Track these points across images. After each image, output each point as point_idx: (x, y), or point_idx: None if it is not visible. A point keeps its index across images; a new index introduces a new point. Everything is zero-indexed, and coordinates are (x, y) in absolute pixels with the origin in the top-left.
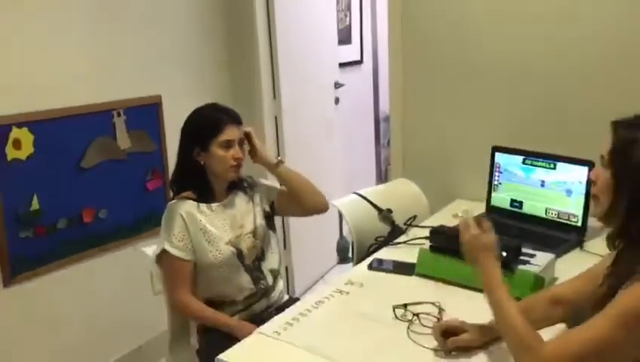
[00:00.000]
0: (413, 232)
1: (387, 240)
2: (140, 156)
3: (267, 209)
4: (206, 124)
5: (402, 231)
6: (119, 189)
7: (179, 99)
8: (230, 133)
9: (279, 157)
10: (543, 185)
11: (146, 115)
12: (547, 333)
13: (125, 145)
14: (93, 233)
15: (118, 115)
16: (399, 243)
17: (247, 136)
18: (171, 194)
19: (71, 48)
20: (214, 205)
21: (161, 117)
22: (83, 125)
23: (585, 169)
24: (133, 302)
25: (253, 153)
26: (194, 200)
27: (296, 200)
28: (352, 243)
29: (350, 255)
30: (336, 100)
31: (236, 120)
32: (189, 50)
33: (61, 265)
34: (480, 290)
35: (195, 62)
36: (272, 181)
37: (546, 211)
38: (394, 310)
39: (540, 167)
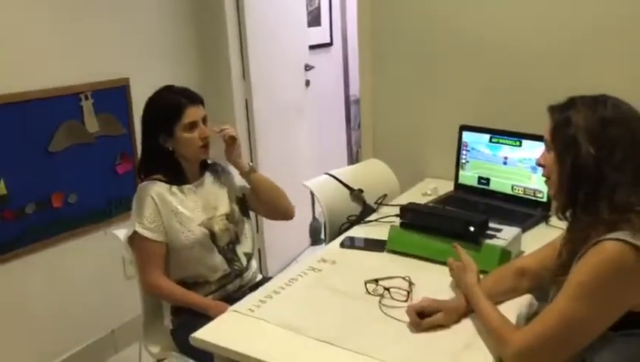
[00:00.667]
0: (384, 211)
1: (359, 219)
2: (109, 140)
3: (240, 195)
4: (167, 109)
5: (373, 210)
6: (88, 173)
7: (147, 81)
8: (193, 114)
9: (252, 164)
10: (509, 163)
11: (113, 97)
12: (515, 304)
13: (93, 129)
14: (63, 218)
15: (86, 98)
16: (370, 221)
17: (232, 139)
18: (139, 181)
19: (36, 30)
20: (186, 187)
21: (129, 100)
22: (50, 109)
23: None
24: (106, 286)
25: (230, 153)
26: (165, 182)
27: (263, 205)
28: (325, 223)
29: (323, 237)
30: (307, 83)
31: (195, 99)
32: (156, 31)
33: (31, 251)
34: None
35: (162, 44)
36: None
37: (512, 188)
38: (366, 285)
39: (506, 144)
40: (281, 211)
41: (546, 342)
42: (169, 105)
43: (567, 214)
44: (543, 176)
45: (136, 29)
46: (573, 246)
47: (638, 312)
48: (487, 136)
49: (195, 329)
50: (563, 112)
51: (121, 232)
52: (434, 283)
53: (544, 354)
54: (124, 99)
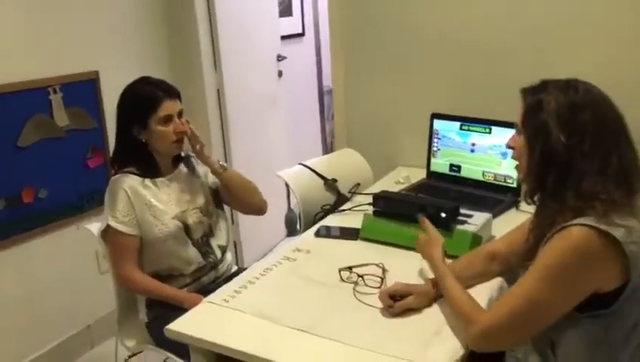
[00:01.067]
0: (358, 199)
1: (333, 208)
2: (80, 134)
3: (214, 188)
4: (142, 101)
5: (347, 199)
6: (59, 168)
7: (117, 74)
8: (168, 107)
9: (222, 163)
10: (479, 150)
11: (83, 91)
12: (486, 288)
13: (63, 123)
14: (33, 213)
15: (55, 91)
16: (344, 210)
17: (191, 134)
18: (113, 172)
19: (4, 23)
20: (159, 180)
21: (99, 93)
22: (18, 102)
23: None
24: (80, 281)
25: (194, 152)
26: (137, 175)
27: (235, 201)
28: (299, 213)
29: (298, 227)
30: (280, 73)
31: (172, 92)
32: (125, 23)
33: (2, 247)
34: None
35: (132, 36)
36: None
37: (482, 174)
38: (340, 273)
39: (476, 131)
40: (254, 207)
41: (510, 322)
42: (145, 96)
43: (535, 198)
44: (512, 158)
45: (105, 21)
46: (540, 231)
47: (603, 294)
48: (457, 124)
49: (169, 322)
50: (535, 95)
51: (94, 226)
52: (407, 269)
53: (508, 334)
54: (93, 93)
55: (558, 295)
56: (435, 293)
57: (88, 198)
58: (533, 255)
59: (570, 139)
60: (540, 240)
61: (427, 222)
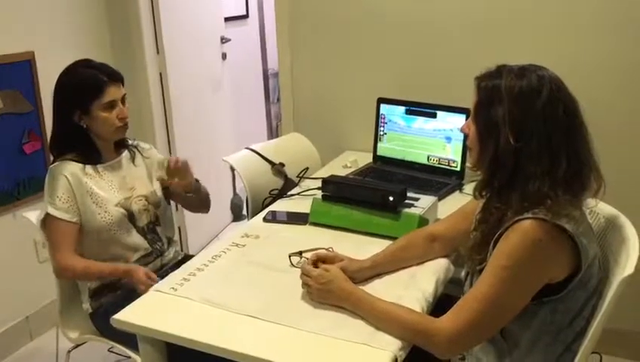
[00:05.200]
0: (306, 184)
1: (281, 193)
2: (15, 117)
3: (164, 178)
4: (85, 85)
5: (295, 184)
6: None
7: (55, 55)
8: (112, 92)
9: (197, 179)
10: (424, 133)
11: (18, 72)
12: (433, 269)
13: None
14: None
15: None
16: (293, 195)
17: (185, 165)
18: (52, 158)
19: None
20: (100, 167)
21: (35, 75)
22: None
23: (462, 117)
24: (18, 270)
25: (185, 186)
26: (78, 161)
27: (187, 204)
28: (247, 198)
29: (244, 212)
30: (224, 56)
31: (116, 77)
32: (63, 2)
33: None
34: (370, 234)
35: (70, 16)
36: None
37: (428, 158)
38: (290, 258)
39: (422, 115)
40: (200, 211)
41: (476, 326)
42: (87, 81)
43: (484, 193)
44: (466, 144)
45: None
46: (488, 227)
47: (553, 283)
48: (403, 109)
49: (115, 312)
50: (488, 85)
51: (33, 214)
52: (356, 251)
53: (476, 336)
54: (29, 75)
55: (518, 292)
56: (368, 272)
57: (25, 185)
58: (482, 249)
59: (518, 142)
60: (490, 236)
61: (306, 267)
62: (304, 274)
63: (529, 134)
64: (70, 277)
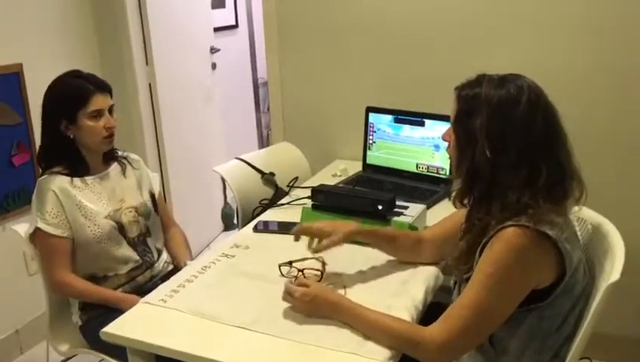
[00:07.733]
0: (296, 193)
1: (271, 203)
2: (3, 129)
3: (153, 192)
4: (71, 94)
5: (285, 193)
6: None
7: (43, 67)
8: (99, 102)
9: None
10: (413, 142)
11: (6, 84)
12: (423, 276)
13: None
14: None
15: None
16: (283, 204)
17: None
18: (40, 170)
19: None
20: (89, 179)
21: (23, 87)
22: None
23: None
24: (7, 283)
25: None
26: (66, 174)
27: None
28: (237, 208)
29: (235, 221)
30: (213, 66)
31: (103, 87)
32: (51, 13)
33: None
34: (359, 243)
35: (59, 28)
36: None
37: (416, 166)
38: (280, 268)
39: (410, 124)
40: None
41: (465, 334)
42: (75, 89)
43: (465, 202)
44: (446, 151)
45: (29, 11)
46: (473, 237)
47: (538, 289)
48: (391, 117)
49: (105, 324)
50: (468, 95)
51: (21, 227)
52: (345, 260)
53: (465, 344)
54: (17, 87)
55: (504, 298)
56: (354, 230)
57: (14, 197)
58: (468, 260)
59: (495, 153)
60: (475, 245)
61: (288, 287)
62: (287, 294)
63: (507, 145)
64: (67, 294)
